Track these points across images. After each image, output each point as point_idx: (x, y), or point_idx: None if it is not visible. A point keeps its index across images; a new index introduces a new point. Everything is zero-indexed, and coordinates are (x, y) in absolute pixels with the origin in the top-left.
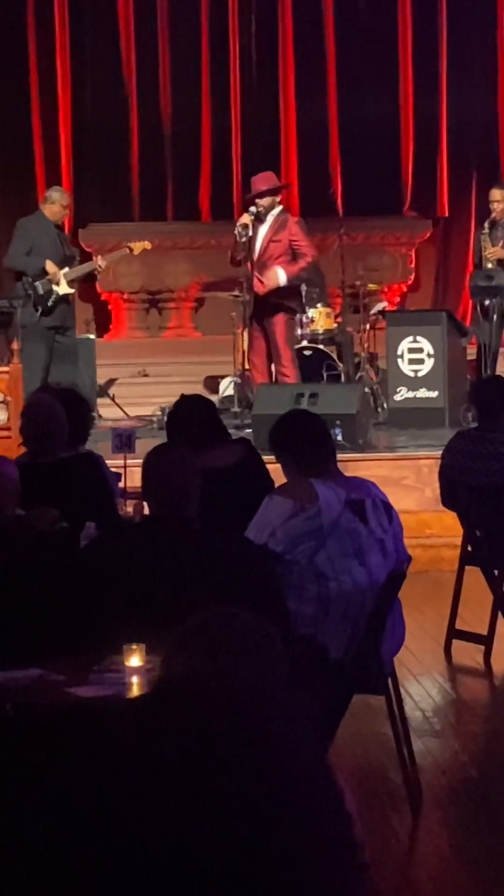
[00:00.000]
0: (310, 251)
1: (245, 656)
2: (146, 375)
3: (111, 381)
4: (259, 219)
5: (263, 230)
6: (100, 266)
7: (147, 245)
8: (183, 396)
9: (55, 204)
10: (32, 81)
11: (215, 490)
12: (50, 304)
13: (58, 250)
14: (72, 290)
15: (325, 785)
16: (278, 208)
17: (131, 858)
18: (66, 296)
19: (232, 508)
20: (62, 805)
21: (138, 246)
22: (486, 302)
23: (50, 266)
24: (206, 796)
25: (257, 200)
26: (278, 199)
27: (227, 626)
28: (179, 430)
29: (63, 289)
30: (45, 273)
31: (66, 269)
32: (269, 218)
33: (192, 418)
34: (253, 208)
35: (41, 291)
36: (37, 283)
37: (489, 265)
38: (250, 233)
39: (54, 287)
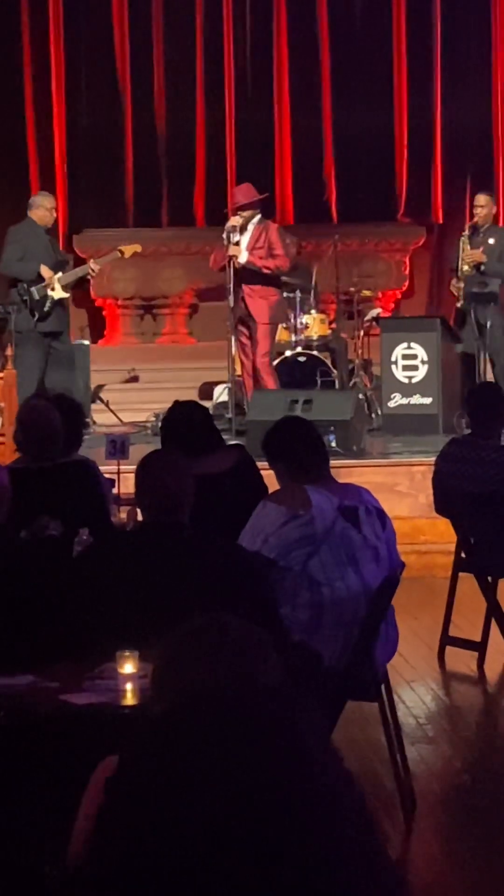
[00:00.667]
0: (284, 260)
1: (236, 662)
2: (136, 378)
3: (105, 387)
4: (241, 229)
5: (245, 239)
6: (93, 269)
7: (138, 248)
8: (177, 402)
9: (40, 208)
10: (27, 88)
11: (209, 496)
12: (46, 309)
13: (50, 255)
14: (67, 295)
15: (344, 779)
16: (258, 217)
17: (166, 859)
18: (61, 300)
19: (226, 515)
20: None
21: (129, 249)
22: (472, 306)
23: (45, 271)
24: (220, 808)
25: (239, 212)
26: (258, 209)
27: (218, 633)
28: (173, 436)
29: (58, 293)
30: (40, 278)
31: (60, 274)
32: (250, 227)
33: (186, 424)
34: (237, 219)
35: (37, 297)
36: (32, 289)
37: (465, 268)
38: (238, 236)
39: (49, 292)
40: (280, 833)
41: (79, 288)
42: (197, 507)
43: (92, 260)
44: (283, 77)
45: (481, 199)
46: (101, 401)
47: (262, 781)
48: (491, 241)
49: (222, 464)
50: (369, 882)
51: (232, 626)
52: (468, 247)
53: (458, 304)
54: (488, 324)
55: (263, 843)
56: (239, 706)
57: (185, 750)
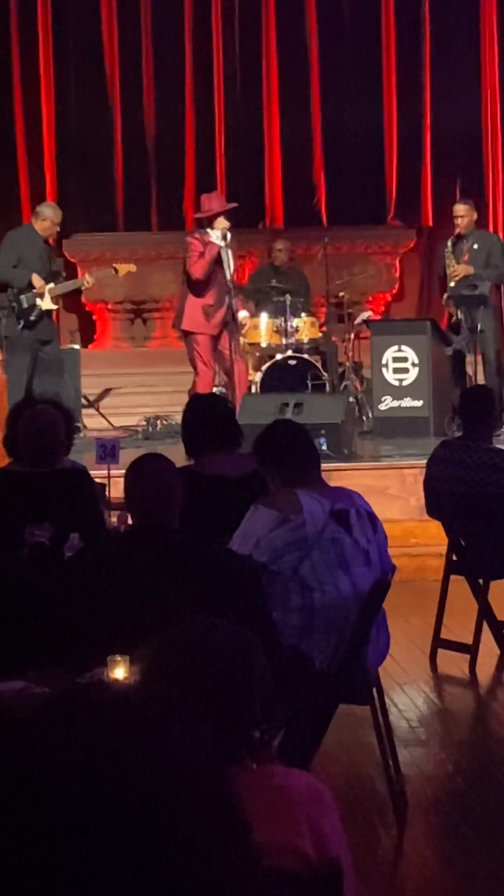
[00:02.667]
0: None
1: (222, 665)
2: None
3: (95, 392)
4: (223, 237)
5: (226, 250)
6: (87, 283)
7: (132, 268)
8: (198, 395)
9: (46, 220)
10: (16, 93)
11: (223, 499)
12: (33, 318)
13: (45, 265)
14: (55, 307)
15: (214, 799)
16: (227, 224)
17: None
18: (49, 311)
19: (236, 520)
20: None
21: (123, 268)
22: (463, 310)
23: (36, 280)
24: (103, 802)
25: (220, 219)
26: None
27: (206, 636)
28: (198, 431)
29: (47, 304)
30: (31, 287)
31: (52, 285)
32: (228, 235)
33: (209, 418)
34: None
35: (25, 305)
36: (21, 297)
37: (452, 283)
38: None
39: (38, 301)
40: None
41: (71, 296)
42: (209, 509)
43: (87, 273)
44: (273, 81)
45: (460, 209)
46: (91, 405)
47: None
48: (475, 246)
49: (242, 467)
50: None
51: (219, 630)
52: (454, 261)
53: (453, 319)
54: (479, 326)
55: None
56: (111, 704)
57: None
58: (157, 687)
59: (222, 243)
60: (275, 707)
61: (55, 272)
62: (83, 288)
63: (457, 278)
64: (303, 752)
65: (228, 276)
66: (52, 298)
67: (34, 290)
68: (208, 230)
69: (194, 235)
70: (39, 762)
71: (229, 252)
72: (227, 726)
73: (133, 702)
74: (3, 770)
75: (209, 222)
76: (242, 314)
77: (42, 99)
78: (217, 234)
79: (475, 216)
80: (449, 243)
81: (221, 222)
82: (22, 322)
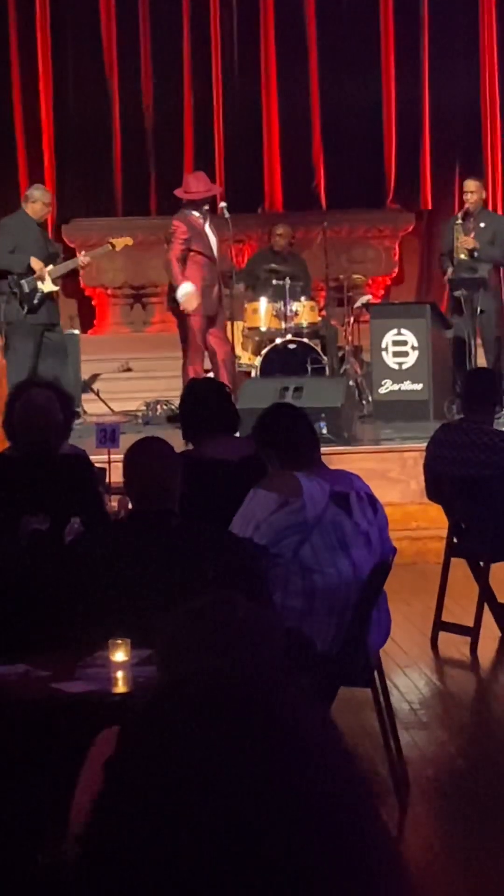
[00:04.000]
0: None
1: (244, 642)
2: (129, 370)
3: (95, 377)
4: (204, 217)
5: (210, 230)
6: (83, 263)
7: (129, 241)
8: (196, 380)
9: (37, 202)
10: (14, 77)
11: (223, 482)
12: (35, 301)
13: (42, 248)
14: (56, 288)
15: (341, 762)
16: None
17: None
18: (50, 293)
19: (236, 504)
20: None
21: (120, 242)
22: (463, 292)
23: (35, 263)
24: (221, 790)
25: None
26: None
27: (227, 612)
28: (196, 415)
29: (48, 286)
30: (30, 271)
31: (51, 267)
32: (208, 217)
33: (208, 402)
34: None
35: (27, 289)
36: (22, 282)
37: (462, 256)
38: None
39: (39, 285)
40: (277, 818)
41: (69, 278)
42: (208, 493)
43: (83, 252)
44: (271, 65)
45: (471, 184)
46: (92, 390)
47: (259, 767)
48: (482, 224)
49: (242, 451)
50: (365, 867)
51: (240, 606)
52: (462, 233)
53: (455, 293)
54: (479, 308)
55: (260, 830)
56: (240, 688)
57: (178, 732)
58: (270, 672)
59: (207, 223)
60: None
61: (53, 254)
62: (80, 266)
63: (464, 248)
64: None
65: (216, 256)
66: (52, 280)
67: (34, 275)
68: (193, 212)
69: (178, 218)
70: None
71: (212, 230)
72: None
73: (246, 682)
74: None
75: (193, 203)
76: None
77: (40, 84)
78: (198, 215)
79: (484, 194)
80: (459, 219)
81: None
82: (25, 307)
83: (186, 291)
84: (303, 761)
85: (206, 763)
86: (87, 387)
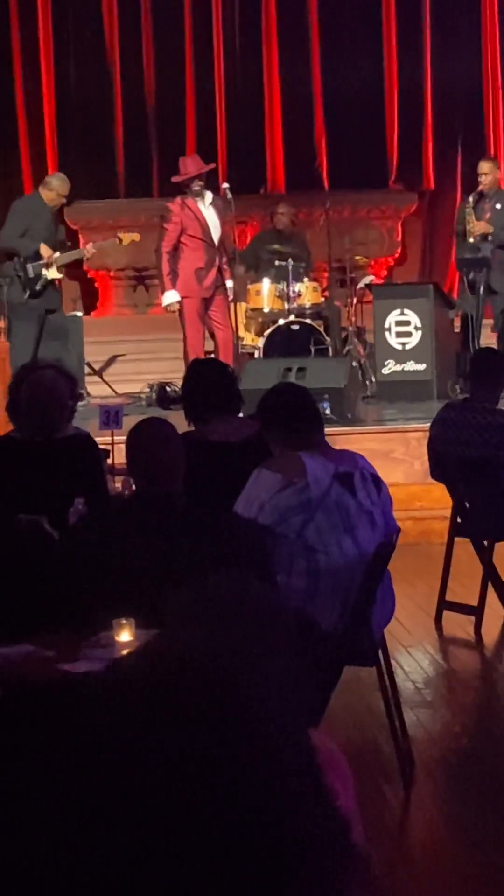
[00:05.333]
0: None
1: (252, 623)
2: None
3: (99, 359)
4: (201, 198)
5: (210, 211)
6: (88, 253)
7: (136, 237)
8: (198, 360)
9: (53, 191)
10: (16, 60)
11: (227, 464)
12: (38, 287)
13: (51, 234)
14: (60, 276)
15: (299, 760)
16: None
17: (115, 829)
18: (53, 280)
19: (240, 484)
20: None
21: (127, 237)
22: (471, 275)
23: (45, 250)
24: (178, 761)
25: (197, 181)
26: None
27: (240, 590)
28: (199, 396)
29: (52, 273)
30: (38, 256)
31: (58, 254)
32: (208, 197)
33: (211, 382)
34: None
35: (31, 274)
36: (28, 266)
37: (471, 239)
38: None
39: (44, 271)
40: (219, 798)
41: (72, 264)
42: (214, 475)
43: (90, 244)
44: (272, 46)
45: (485, 166)
46: (94, 371)
47: (193, 744)
48: (498, 206)
49: (243, 432)
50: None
51: (252, 586)
52: (473, 217)
53: (470, 276)
54: (488, 288)
55: (202, 808)
56: (186, 665)
57: (121, 704)
58: (238, 644)
59: (202, 205)
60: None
61: (61, 241)
62: (85, 258)
63: (475, 234)
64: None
65: (216, 238)
66: (56, 268)
67: (41, 260)
68: (188, 194)
69: (174, 201)
70: (131, 734)
71: (212, 211)
72: None
73: (215, 658)
74: (89, 744)
75: (187, 185)
76: (229, 284)
77: (42, 66)
78: (193, 197)
79: (498, 174)
80: (471, 199)
81: (197, 183)
82: (28, 291)
83: (170, 302)
84: (257, 750)
85: (165, 738)
86: (90, 370)
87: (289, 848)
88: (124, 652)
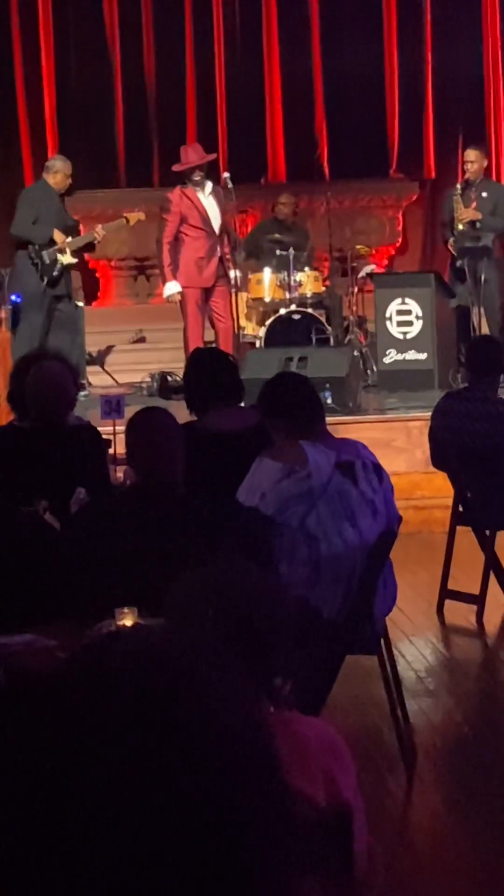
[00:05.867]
0: None
1: (253, 609)
2: (142, 340)
3: (100, 349)
4: (201, 188)
5: (210, 201)
6: (98, 235)
7: (142, 216)
8: (200, 350)
9: (58, 173)
10: (16, 50)
11: (228, 453)
12: (55, 273)
13: (62, 219)
14: (75, 260)
15: (253, 741)
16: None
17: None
18: (69, 265)
19: (241, 474)
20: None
21: (133, 217)
22: (460, 263)
23: (58, 236)
24: (135, 745)
25: (198, 170)
26: None
27: (239, 577)
28: (200, 386)
29: (67, 259)
30: (51, 242)
31: (70, 239)
32: (208, 186)
33: (213, 372)
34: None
35: (47, 261)
36: (43, 253)
37: (460, 227)
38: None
39: (59, 257)
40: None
41: (85, 252)
42: (215, 464)
43: (99, 226)
44: (273, 35)
45: (471, 154)
46: (94, 359)
47: (149, 729)
48: (484, 194)
49: (244, 422)
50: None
51: (252, 573)
52: (461, 205)
53: (458, 263)
54: (482, 278)
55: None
56: (140, 650)
57: (79, 692)
58: (185, 630)
59: (202, 194)
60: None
61: (71, 226)
62: (95, 241)
63: (463, 221)
64: (311, 702)
65: (216, 228)
66: (70, 253)
67: (55, 247)
68: (188, 184)
69: (174, 191)
70: (70, 717)
71: (212, 201)
72: (253, 669)
73: (163, 648)
74: (34, 730)
75: (188, 175)
76: (233, 273)
77: (42, 56)
78: (193, 186)
79: (486, 163)
80: (458, 188)
81: (198, 173)
82: (45, 279)
83: (170, 293)
84: (211, 737)
85: (120, 721)
86: (91, 359)
87: (233, 827)
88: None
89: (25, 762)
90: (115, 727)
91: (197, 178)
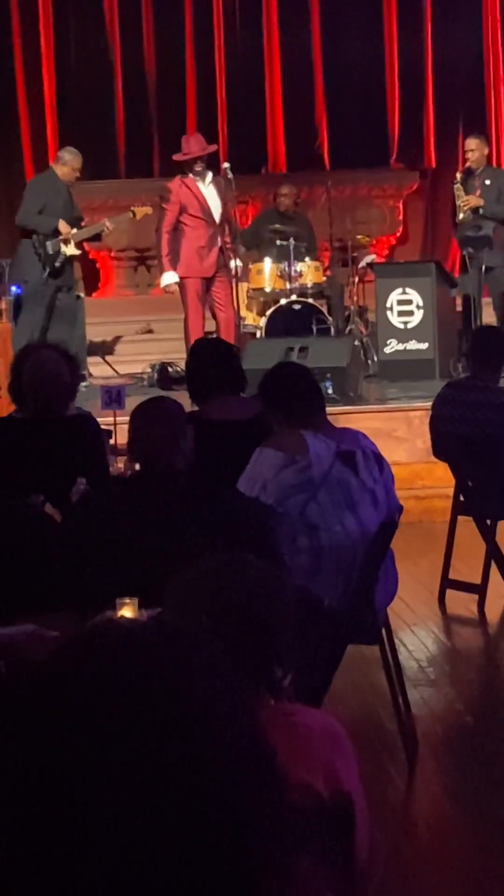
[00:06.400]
0: None
1: (254, 601)
2: (150, 331)
3: (100, 340)
4: (202, 178)
5: (211, 190)
6: (107, 228)
7: (149, 211)
8: (203, 340)
9: (67, 165)
10: (15, 40)
11: (230, 443)
12: (58, 264)
13: (68, 210)
14: (78, 252)
15: (243, 733)
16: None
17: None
18: (72, 257)
19: (243, 464)
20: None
21: (141, 211)
22: (469, 251)
23: (63, 227)
24: (129, 736)
25: (199, 161)
26: None
27: (237, 571)
28: (203, 375)
29: (71, 250)
30: (56, 233)
31: (75, 230)
32: (208, 176)
33: (215, 362)
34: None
35: (51, 251)
36: (47, 243)
37: (461, 215)
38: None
39: (63, 247)
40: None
41: (90, 241)
42: (217, 454)
43: (107, 219)
44: (273, 24)
45: (472, 143)
46: (98, 353)
47: (141, 719)
48: (487, 181)
49: (246, 411)
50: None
51: (252, 566)
52: (463, 193)
53: (463, 252)
54: (483, 267)
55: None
56: (133, 642)
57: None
58: (175, 623)
59: (202, 184)
60: (293, 646)
61: (77, 218)
62: (104, 233)
63: (466, 209)
64: (313, 692)
65: (217, 218)
66: (74, 244)
67: (60, 237)
68: (189, 174)
69: (173, 181)
70: (61, 706)
71: (213, 190)
72: (253, 662)
73: (152, 639)
74: (25, 718)
75: (188, 165)
76: (235, 263)
77: (42, 46)
78: (194, 176)
79: (486, 151)
80: (458, 178)
81: (199, 164)
82: (48, 269)
83: (167, 283)
84: (205, 735)
85: (98, 720)
86: (92, 350)
87: (226, 815)
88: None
89: (22, 755)
90: (103, 720)
91: (198, 168)
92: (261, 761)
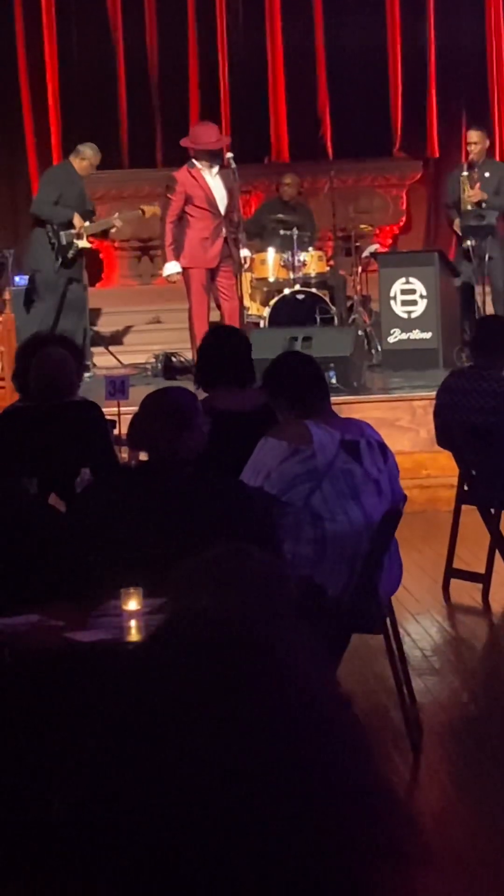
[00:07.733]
0: None
1: (255, 592)
2: (158, 321)
3: (104, 330)
4: (210, 168)
5: (217, 181)
6: (117, 224)
7: (157, 210)
8: (219, 327)
9: (86, 160)
10: (18, 31)
11: (235, 433)
12: (70, 255)
13: (82, 203)
14: (90, 245)
15: (334, 704)
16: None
17: (144, 797)
18: (83, 249)
19: (248, 453)
20: (66, 748)
21: (150, 210)
22: (468, 243)
23: (77, 219)
24: (219, 728)
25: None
26: None
27: (240, 562)
28: (212, 364)
29: (83, 243)
30: (70, 224)
31: (87, 224)
32: (215, 167)
33: (225, 352)
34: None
35: (64, 242)
36: (61, 234)
37: (468, 207)
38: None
39: (76, 240)
40: (271, 762)
41: (99, 237)
42: (223, 443)
43: (117, 214)
44: (275, 14)
45: (474, 135)
46: (101, 343)
47: (255, 710)
48: (487, 174)
49: (251, 402)
50: (366, 811)
51: (252, 557)
52: (468, 186)
53: (465, 244)
54: (486, 256)
55: (254, 775)
56: (240, 631)
57: (162, 677)
58: (265, 611)
59: (208, 174)
60: None
61: (89, 211)
62: (112, 229)
63: (473, 202)
64: None
65: (222, 208)
66: (86, 237)
67: (73, 230)
68: (198, 164)
69: (180, 170)
70: (153, 687)
71: (219, 181)
72: None
73: (245, 626)
74: (132, 708)
75: (200, 154)
76: (244, 253)
77: (44, 37)
78: (202, 166)
79: (488, 143)
80: (465, 171)
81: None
82: (60, 259)
83: (170, 273)
84: (300, 707)
85: (202, 706)
86: (96, 340)
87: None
88: (131, 625)
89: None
90: (199, 701)
91: (206, 159)
92: (358, 740)
